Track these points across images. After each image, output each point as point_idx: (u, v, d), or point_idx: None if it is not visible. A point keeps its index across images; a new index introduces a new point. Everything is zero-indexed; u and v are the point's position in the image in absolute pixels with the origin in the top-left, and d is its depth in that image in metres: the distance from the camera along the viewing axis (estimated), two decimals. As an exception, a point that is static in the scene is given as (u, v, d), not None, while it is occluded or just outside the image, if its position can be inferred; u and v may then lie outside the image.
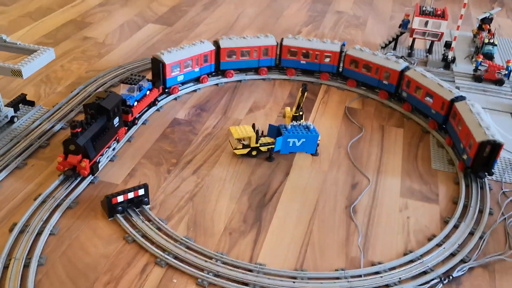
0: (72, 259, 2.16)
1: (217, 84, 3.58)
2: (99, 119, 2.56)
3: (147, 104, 3.07)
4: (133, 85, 2.87)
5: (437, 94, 3.11)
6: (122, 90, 2.91)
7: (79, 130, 2.39)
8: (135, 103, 2.92)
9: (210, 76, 3.55)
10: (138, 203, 2.40)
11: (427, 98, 3.20)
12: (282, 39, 3.61)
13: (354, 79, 3.56)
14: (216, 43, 3.47)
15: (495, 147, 2.65)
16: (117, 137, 2.75)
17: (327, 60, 3.58)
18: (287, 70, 3.68)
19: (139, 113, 3.01)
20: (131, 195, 2.35)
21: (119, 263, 2.16)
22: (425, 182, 2.81)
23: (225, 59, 3.50)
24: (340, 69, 3.62)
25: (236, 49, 3.49)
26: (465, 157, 2.80)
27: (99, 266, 2.14)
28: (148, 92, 3.04)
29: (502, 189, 2.76)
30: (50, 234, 2.25)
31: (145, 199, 2.41)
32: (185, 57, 3.29)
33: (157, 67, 3.17)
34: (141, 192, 2.38)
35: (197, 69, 3.42)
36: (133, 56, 3.92)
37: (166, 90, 3.32)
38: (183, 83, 3.42)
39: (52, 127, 2.95)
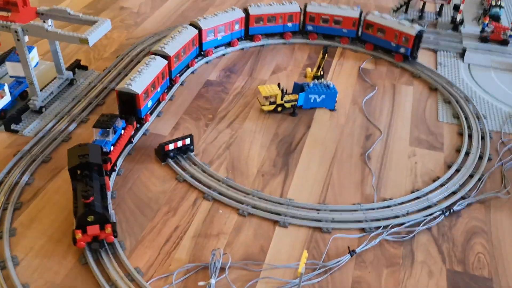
0: (137, 194, 2.65)
1: (242, 49, 3.99)
2: (94, 177, 2.32)
3: (123, 145, 2.78)
4: (107, 129, 2.59)
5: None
6: (95, 135, 2.59)
7: (92, 198, 2.17)
8: (112, 148, 2.63)
9: (239, 40, 3.97)
10: (185, 150, 2.87)
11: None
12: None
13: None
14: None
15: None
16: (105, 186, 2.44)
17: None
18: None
19: (116, 158, 2.73)
20: (179, 143, 2.82)
21: (174, 197, 2.65)
22: (431, 133, 3.24)
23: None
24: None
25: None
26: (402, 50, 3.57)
27: (159, 199, 2.63)
28: (122, 132, 2.76)
29: (501, 139, 3.18)
30: (117, 174, 2.74)
31: (191, 147, 2.88)
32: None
33: (127, 99, 2.85)
34: (187, 141, 2.85)
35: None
36: (166, 24, 4.34)
37: (202, 53, 3.74)
38: (216, 47, 3.84)
39: (105, 88, 3.41)
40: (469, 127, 3.24)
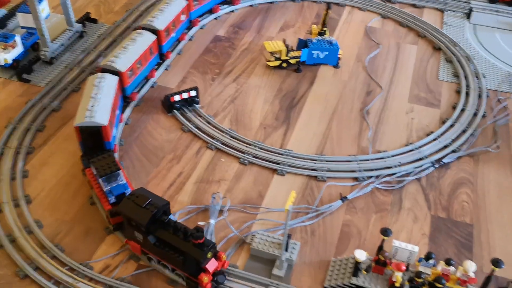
0: (144, 143, 2.89)
1: (251, 5, 4.14)
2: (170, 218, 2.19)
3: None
4: (114, 172, 2.31)
5: None
6: (103, 185, 2.32)
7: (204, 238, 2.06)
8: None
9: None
10: (190, 102, 3.08)
11: None
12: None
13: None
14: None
15: None
16: None
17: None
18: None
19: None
20: (185, 95, 3.03)
21: (179, 146, 2.88)
22: (430, 90, 3.41)
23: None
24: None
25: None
26: None
27: (164, 148, 2.86)
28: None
29: (497, 97, 3.34)
30: (125, 124, 2.97)
31: (196, 99, 3.09)
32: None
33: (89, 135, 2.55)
34: (193, 93, 3.05)
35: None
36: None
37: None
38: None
39: (114, 41, 3.61)
40: (468, 85, 3.39)
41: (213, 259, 2.07)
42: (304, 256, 2.35)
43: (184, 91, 3.02)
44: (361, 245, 2.41)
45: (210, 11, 3.91)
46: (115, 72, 2.85)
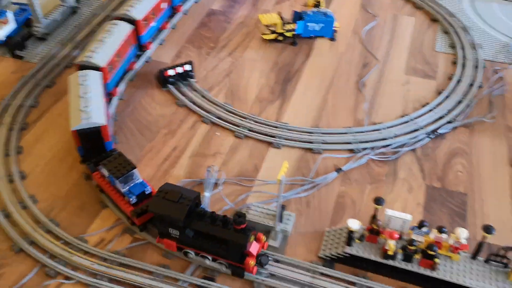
0: (138, 117, 2.89)
1: (247, -22, 4.10)
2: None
3: None
4: (131, 171, 2.24)
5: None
6: (118, 185, 2.25)
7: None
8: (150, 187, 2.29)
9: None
10: (185, 76, 3.08)
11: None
12: None
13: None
14: None
15: None
16: None
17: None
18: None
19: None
20: (179, 69, 3.03)
21: (174, 121, 2.88)
22: (427, 62, 3.40)
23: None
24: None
25: None
26: None
27: (159, 122, 2.87)
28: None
29: (493, 67, 3.32)
30: (119, 99, 2.97)
31: (191, 74, 3.08)
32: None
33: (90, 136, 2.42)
34: (187, 67, 3.05)
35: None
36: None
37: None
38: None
39: (108, 15, 3.60)
40: (464, 56, 3.38)
41: (254, 241, 2.07)
42: (299, 227, 2.37)
43: (178, 65, 3.01)
44: (356, 215, 2.42)
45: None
46: (95, 68, 2.73)
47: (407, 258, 2.08)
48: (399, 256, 2.10)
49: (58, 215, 2.38)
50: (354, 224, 2.09)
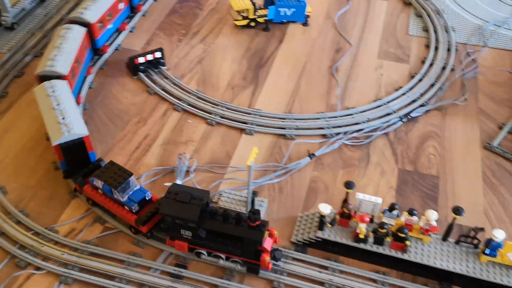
0: (109, 106, 2.86)
1: (219, -36, 4.06)
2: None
3: None
4: (128, 179, 2.17)
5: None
6: (121, 196, 2.16)
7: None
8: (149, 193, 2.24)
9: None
10: (156, 64, 3.05)
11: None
12: None
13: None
14: None
15: None
16: None
17: None
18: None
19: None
20: (150, 57, 3.00)
21: (145, 109, 2.86)
22: (400, 46, 3.41)
23: None
24: None
25: None
26: None
27: (130, 111, 2.85)
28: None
29: (466, 50, 3.35)
30: (89, 88, 2.94)
31: (162, 61, 3.06)
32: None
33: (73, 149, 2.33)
34: (158, 54, 3.02)
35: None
36: None
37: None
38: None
39: (77, 4, 3.54)
40: (437, 39, 3.40)
41: (267, 237, 2.04)
42: (272, 213, 2.37)
43: (148, 53, 2.99)
44: (329, 200, 2.44)
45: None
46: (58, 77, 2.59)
47: (378, 241, 2.10)
48: (370, 239, 2.11)
49: (27, 205, 2.36)
50: (325, 209, 2.10)
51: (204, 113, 2.84)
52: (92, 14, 3.00)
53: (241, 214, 2.02)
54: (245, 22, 3.43)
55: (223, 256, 2.10)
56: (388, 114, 2.89)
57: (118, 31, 3.35)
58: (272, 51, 3.32)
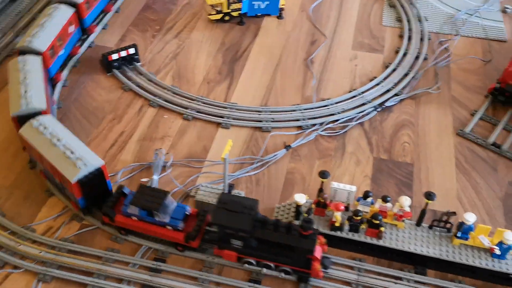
0: (83, 104, 2.88)
1: (192, -42, 4.08)
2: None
3: None
4: (166, 198, 2.15)
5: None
6: (160, 217, 2.15)
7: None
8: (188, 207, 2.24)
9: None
10: (130, 60, 3.07)
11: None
12: None
13: None
14: None
15: None
16: None
17: None
18: None
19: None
20: (123, 53, 3.01)
21: (120, 106, 2.88)
22: (374, 36, 3.47)
23: None
24: None
25: None
26: None
27: (105, 108, 2.86)
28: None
29: (439, 39, 3.42)
30: (63, 86, 2.95)
31: (136, 57, 3.07)
32: None
33: None
34: (131, 51, 3.04)
35: None
36: None
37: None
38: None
39: (49, 2, 3.54)
40: (410, 29, 3.46)
41: (317, 245, 2.04)
42: (249, 205, 2.41)
43: (122, 49, 3.00)
44: (305, 190, 2.48)
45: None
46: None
47: (354, 228, 2.16)
48: (346, 227, 2.16)
49: (3, 205, 2.37)
50: (301, 199, 2.14)
51: (180, 108, 2.87)
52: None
53: (292, 223, 2.03)
54: (219, 16, 3.46)
55: (272, 264, 2.10)
56: (363, 104, 2.94)
57: (105, 11, 3.43)
58: (247, 44, 3.35)
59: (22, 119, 2.31)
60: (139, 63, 3.10)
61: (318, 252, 2.02)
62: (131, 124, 2.78)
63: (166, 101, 2.90)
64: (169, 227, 2.13)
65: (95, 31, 3.31)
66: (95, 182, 2.18)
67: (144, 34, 3.39)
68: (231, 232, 2.03)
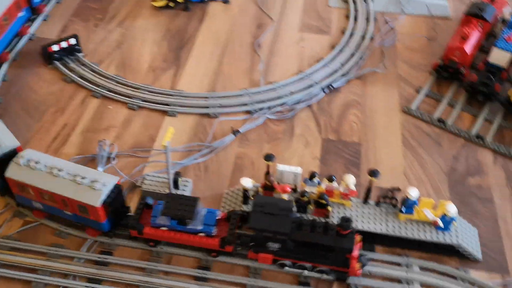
0: (24, 98, 2.80)
1: None
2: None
3: None
4: (196, 205, 2.11)
5: None
6: (195, 225, 2.11)
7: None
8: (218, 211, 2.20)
9: None
10: (72, 51, 3.00)
11: None
12: None
13: None
14: None
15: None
16: None
17: None
18: None
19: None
20: (64, 44, 2.95)
21: (62, 98, 2.82)
22: (321, 18, 3.48)
23: None
24: None
25: None
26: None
27: (46, 101, 2.80)
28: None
29: (384, 18, 3.46)
30: (2, 80, 2.86)
31: (77, 48, 3.01)
32: None
33: None
34: (72, 41, 2.97)
35: None
36: None
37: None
38: None
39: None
40: (356, 9, 3.49)
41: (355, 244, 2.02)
42: (198, 192, 2.41)
43: (62, 40, 2.94)
44: (255, 175, 2.48)
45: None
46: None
47: (301, 209, 2.17)
48: (294, 208, 2.18)
49: None
50: (247, 183, 2.15)
51: (124, 98, 2.83)
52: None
53: (329, 222, 2.01)
54: (163, 3, 3.42)
55: (308, 265, 2.08)
56: (310, 86, 2.95)
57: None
58: (193, 31, 3.32)
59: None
60: (81, 54, 3.04)
61: (355, 250, 2.01)
62: (74, 116, 2.73)
63: (110, 91, 2.86)
64: (201, 234, 2.09)
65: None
66: (116, 199, 2.11)
67: (87, 23, 3.32)
68: (269, 236, 2.00)
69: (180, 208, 2.05)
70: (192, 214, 2.03)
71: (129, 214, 2.20)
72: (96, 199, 2.01)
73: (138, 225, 2.10)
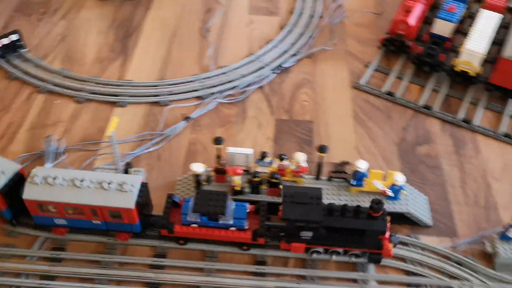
0: (-34, 98, 2.74)
1: None
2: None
3: None
4: (226, 201, 2.06)
5: None
6: (226, 220, 2.07)
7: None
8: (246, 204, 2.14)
9: None
10: (14, 47, 2.93)
11: None
12: None
13: None
14: None
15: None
16: None
17: None
18: None
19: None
20: (5, 40, 2.88)
21: (7, 96, 2.76)
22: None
23: None
24: None
25: None
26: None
27: (-11, 101, 2.74)
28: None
29: (332, -4, 3.48)
30: None
31: (20, 43, 2.94)
32: None
33: None
34: (14, 37, 2.90)
35: None
36: None
37: None
38: None
39: None
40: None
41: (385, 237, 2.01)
42: (151, 181, 2.39)
43: (2, 37, 2.87)
44: (209, 159, 2.48)
45: None
46: None
47: (255, 190, 2.18)
48: (247, 189, 2.19)
49: None
50: (198, 168, 2.15)
51: (71, 91, 2.79)
52: None
53: (359, 206, 1.98)
54: (107, -7, 3.37)
55: (340, 250, 2.06)
56: (261, 68, 2.95)
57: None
58: (139, 19, 3.29)
59: (6, 192, 2.04)
60: (24, 49, 2.97)
61: (387, 232, 2.00)
62: (20, 113, 2.68)
63: (56, 85, 2.82)
64: (233, 228, 2.06)
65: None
66: (144, 197, 2.07)
67: (29, 18, 3.26)
68: (301, 225, 1.98)
69: (211, 204, 2.02)
70: (224, 209, 2.00)
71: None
72: (130, 201, 1.97)
73: (169, 224, 2.06)
